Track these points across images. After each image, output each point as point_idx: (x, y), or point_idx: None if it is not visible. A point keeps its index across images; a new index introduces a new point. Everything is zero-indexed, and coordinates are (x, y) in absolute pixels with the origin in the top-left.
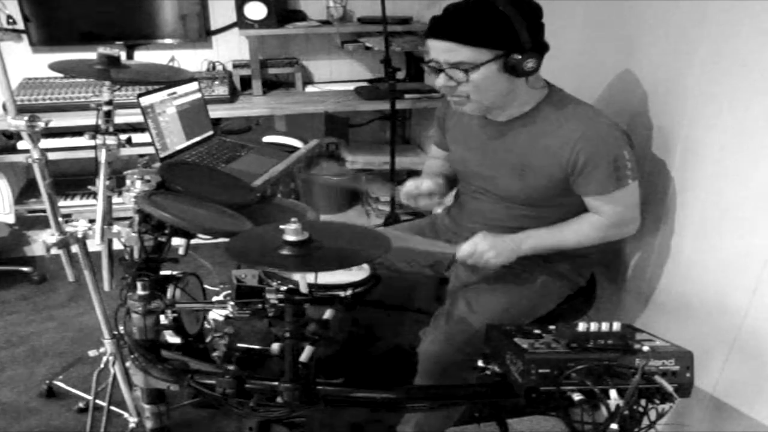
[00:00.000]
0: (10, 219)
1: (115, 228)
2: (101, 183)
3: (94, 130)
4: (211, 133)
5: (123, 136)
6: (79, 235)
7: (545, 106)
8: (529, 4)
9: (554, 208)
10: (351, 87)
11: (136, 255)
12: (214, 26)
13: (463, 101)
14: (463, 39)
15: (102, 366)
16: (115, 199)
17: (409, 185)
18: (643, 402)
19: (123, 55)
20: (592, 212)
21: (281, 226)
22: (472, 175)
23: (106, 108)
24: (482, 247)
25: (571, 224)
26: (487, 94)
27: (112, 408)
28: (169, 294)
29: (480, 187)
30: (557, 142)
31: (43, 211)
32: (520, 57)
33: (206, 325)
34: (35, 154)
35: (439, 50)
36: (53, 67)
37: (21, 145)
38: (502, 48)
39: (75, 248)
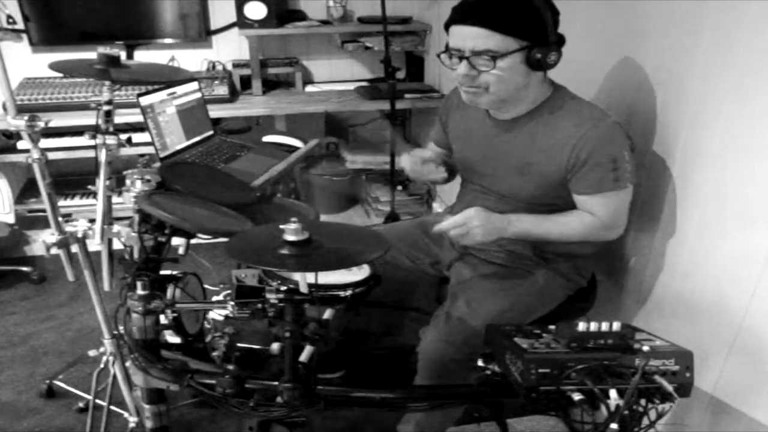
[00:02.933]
0: (10, 219)
1: (115, 228)
2: (101, 183)
3: (94, 130)
4: (211, 132)
5: (123, 136)
6: (79, 235)
7: (549, 105)
8: (552, 2)
9: (555, 206)
10: (351, 87)
11: (136, 255)
12: (214, 26)
13: (480, 92)
14: (495, 26)
15: (102, 366)
16: (115, 199)
17: (411, 154)
18: (642, 402)
19: (123, 55)
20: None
21: (281, 226)
22: (473, 173)
23: (106, 108)
24: (473, 222)
25: (560, 217)
26: (507, 85)
27: (112, 408)
28: (169, 294)
29: (482, 185)
30: (560, 140)
31: (43, 210)
32: (544, 50)
33: (206, 325)
34: (35, 154)
35: (465, 37)
36: (53, 66)
37: (21, 144)
38: (530, 39)
39: (75, 248)
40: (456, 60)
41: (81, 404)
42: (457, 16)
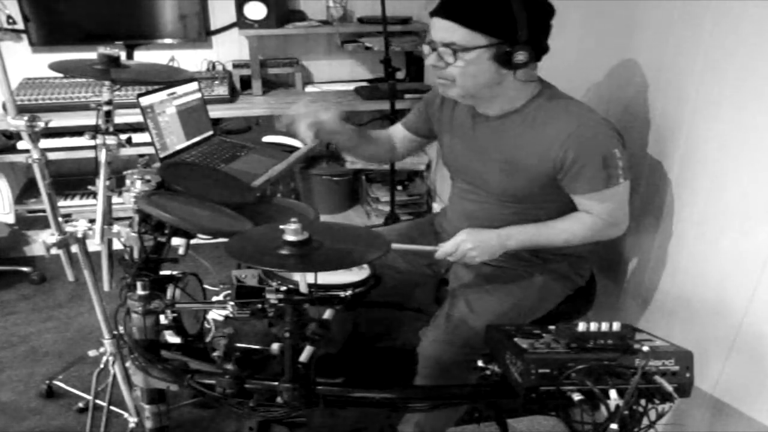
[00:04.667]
0: (10, 219)
1: (115, 228)
2: (101, 183)
3: (94, 130)
4: (210, 133)
5: (123, 136)
6: (79, 235)
7: (536, 103)
8: (539, 2)
9: (543, 205)
10: (351, 87)
11: (136, 255)
12: (214, 26)
13: (449, 84)
14: (460, 19)
15: (102, 366)
16: (115, 199)
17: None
18: (642, 402)
19: (123, 55)
20: (582, 211)
21: (281, 226)
22: (462, 170)
23: (106, 108)
24: (465, 246)
25: (560, 222)
26: (473, 80)
27: (112, 408)
28: (169, 294)
29: (470, 184)
30: (547, 138)
31: (43, 211)
32: (512, 49)
33: (206, 325)
34: (35, 154)
35: (437, 29)
36: (53, 67)
37: (21, 145)
38: (499, 37)
39: (75, 248)
40: (429, 50)
41: (81, 404)
42: (434, 9)
